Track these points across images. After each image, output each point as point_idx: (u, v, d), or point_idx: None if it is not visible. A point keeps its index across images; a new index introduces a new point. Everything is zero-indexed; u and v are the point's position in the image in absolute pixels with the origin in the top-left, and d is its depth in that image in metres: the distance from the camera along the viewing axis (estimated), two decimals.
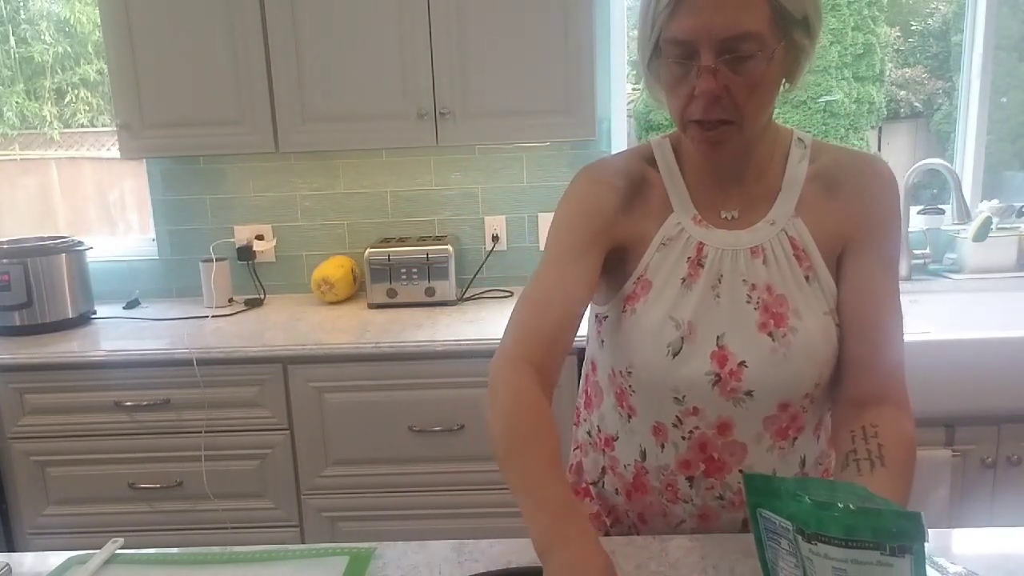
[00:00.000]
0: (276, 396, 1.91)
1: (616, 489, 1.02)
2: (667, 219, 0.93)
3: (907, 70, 9.35)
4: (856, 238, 0.90)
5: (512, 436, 0.78)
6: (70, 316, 2.15)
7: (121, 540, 0.98)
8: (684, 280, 0.90)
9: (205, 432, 1.92)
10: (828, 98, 8.07)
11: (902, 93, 9.25)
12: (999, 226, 2.27)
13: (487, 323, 2.01)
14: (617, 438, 0.99)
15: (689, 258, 0.91)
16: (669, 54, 0.82)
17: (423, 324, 2.01)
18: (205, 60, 2.05)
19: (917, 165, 2.30)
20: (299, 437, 1.93)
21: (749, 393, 0.88)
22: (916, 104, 9.31)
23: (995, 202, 2.31)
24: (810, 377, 0.88)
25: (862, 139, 8.48)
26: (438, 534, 1.82)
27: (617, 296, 0.94)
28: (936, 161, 2.24)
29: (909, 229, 2.32)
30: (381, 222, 2.46)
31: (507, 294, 2.37)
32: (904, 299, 2.25)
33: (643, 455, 0.96)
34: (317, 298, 2.34)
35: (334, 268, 2.31)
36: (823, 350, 0.89)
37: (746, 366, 0.88)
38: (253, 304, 2.33)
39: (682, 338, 0.89)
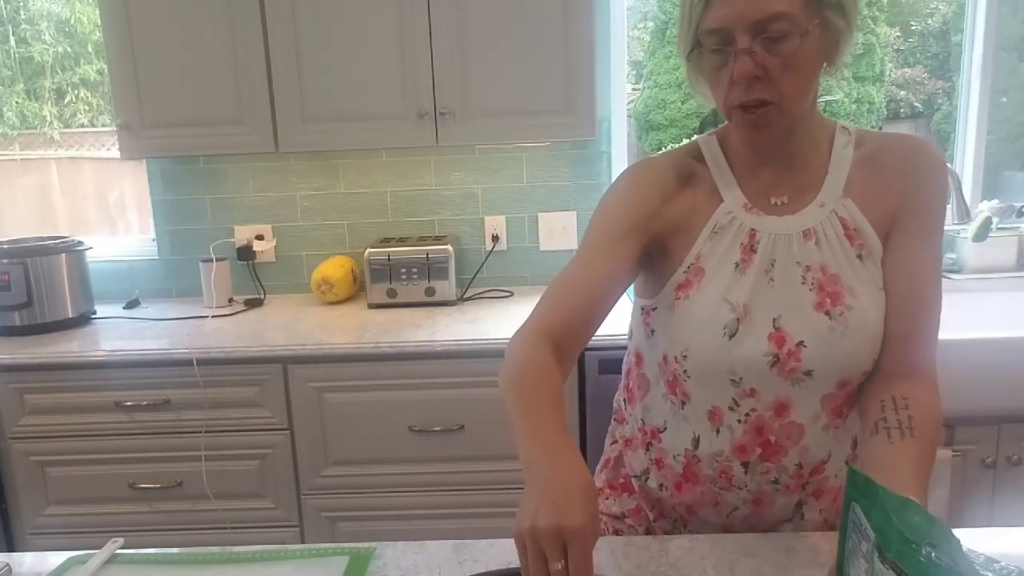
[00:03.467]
0: (276, 396, 1.91)
1: (662, 485, 1.02)
2: (718, 208, 0.95)
3: (907, 70, 9.36)
4: (901, 215, 0.92)
5: (518, 384, 0.81)
6: (70, 316, 2.15)
7: (121, 540, 0.98)
8: (737, 265, 0.92)
9: (205, 432, 1.92)
10: (828, 98, 8.07)
11: (902, 93, 9.25)
12: (999, 226, 2.27)
13: (487, 323, 2.01)
14: (665, 428, 0.99)
15: (742, 244, 0.93)
16: (707, 45, 0.86)
17: (423, 324, 2.01)
18: (205, 60, 2.05)
19: None
20: (299, 437, 1.93)
21: (809, 373, 0.90)
22: (916, 104, 9.32)
23: (995, 202, 2.31)
24: (869, 353, 0.90)
25: None
26: (438, 534, 1.82)
27: (668, 286, 0.96)
28: None
29: None
30: (381, 222, 2.46)
31: (507, 294, 2.37)
32: None
33: (696, 443, 0.96)
34: (317, 298, 2.34)
35: (334, 268, 2.31)
36: (878, 324, 0.91)
37: (805, 346, 0.89)
38: (253, 304, 2.33)
39: (737, 319, 0.90)
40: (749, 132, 0.90)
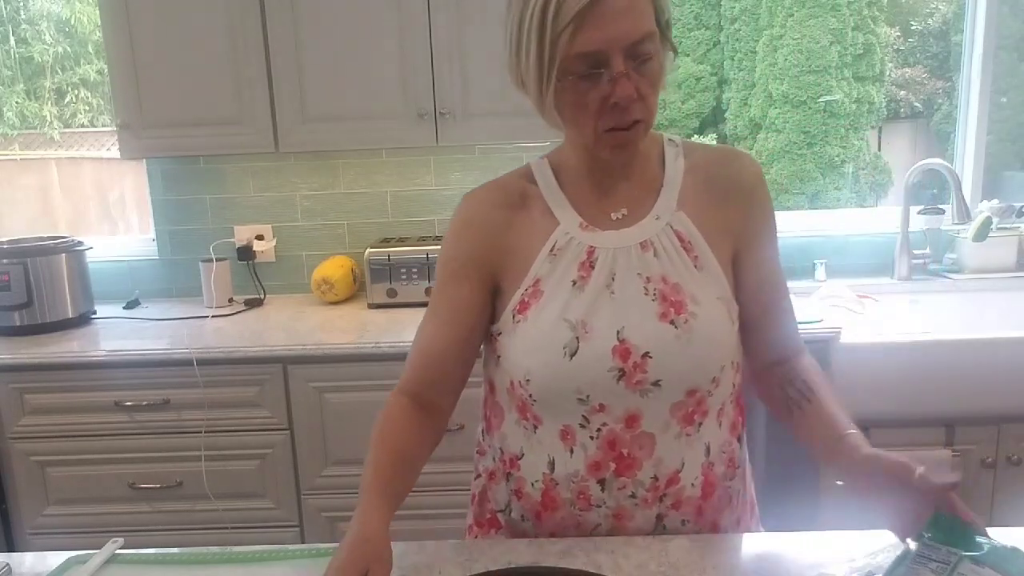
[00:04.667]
0: (276, 396, 1.91)
1: (523, 516, 1.00)
2: (555, 230, 0.95)
3: (907, 70, 9.36)
4: (746, 234, 0.96)
5: (371, 449, 0.92)
6: (70, 316, 2.15)
7: (121, 540, 0.98)
8: (575, 283, 0.92)
9: (205, 432, 1.92)
10: (828, 98, 8.07)
11: (902, 93, 9.26)
12: (999, 226, 2.27)
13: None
14: (522, 455, 0.97)
15: (580, 262, 0.93)
16: (574, 71, 0.84)
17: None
18: (205, 60, 2.05)
19: (917, 165, 2.30)
20: (299, 437, 1.93)
21: (657, 383, 0.89)
22: (916, 104, 9.32)
23: (995, 202, 2.31)
24: (715, 360, 0.91)
25: (862, 139, 8.49)
26: (438, 534, 1.82)
27: (507, 310, 0.95)
28: (936, 161, 2.24)
29: (909, 229, 2.32)
30: (381, 222, 2.46)
31: None
32: (904, 299, 2.27)
33: (551, 466, 0.94)
34: (317, 298, 2.34)
35: (334, 268, 2.31)
36: (723, 334, 0.92)
37: (651, 356, 0.89)
38: (253, 304, 2.33)
39: (577, 338, 0.89)
40: (618, 151, 0.90)
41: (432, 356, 0.98)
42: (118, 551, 0.97)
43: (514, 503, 1.01)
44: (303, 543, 1.94)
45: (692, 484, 0.93)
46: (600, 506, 0.93)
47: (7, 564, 0.95)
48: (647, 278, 0.91)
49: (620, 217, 0.95)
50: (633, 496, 0.92)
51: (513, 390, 0.95)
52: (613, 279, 0.92)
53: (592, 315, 0.90)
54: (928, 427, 1.82)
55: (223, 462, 1.94)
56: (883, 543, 0.86)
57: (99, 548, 0.96)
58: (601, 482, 0.92)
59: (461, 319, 0.96)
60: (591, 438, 0.91)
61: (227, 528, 1.97)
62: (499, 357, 0.97)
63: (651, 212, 0.94)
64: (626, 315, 0.90)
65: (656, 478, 0.91)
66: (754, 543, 0.93)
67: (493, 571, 0.85)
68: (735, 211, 0.95)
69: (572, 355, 0.89)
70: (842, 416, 0.90)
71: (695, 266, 0.92)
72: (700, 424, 0.92)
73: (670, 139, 1.00)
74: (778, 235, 1.00)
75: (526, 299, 0.93)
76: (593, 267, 0.92)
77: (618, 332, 0.89)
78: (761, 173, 0.98)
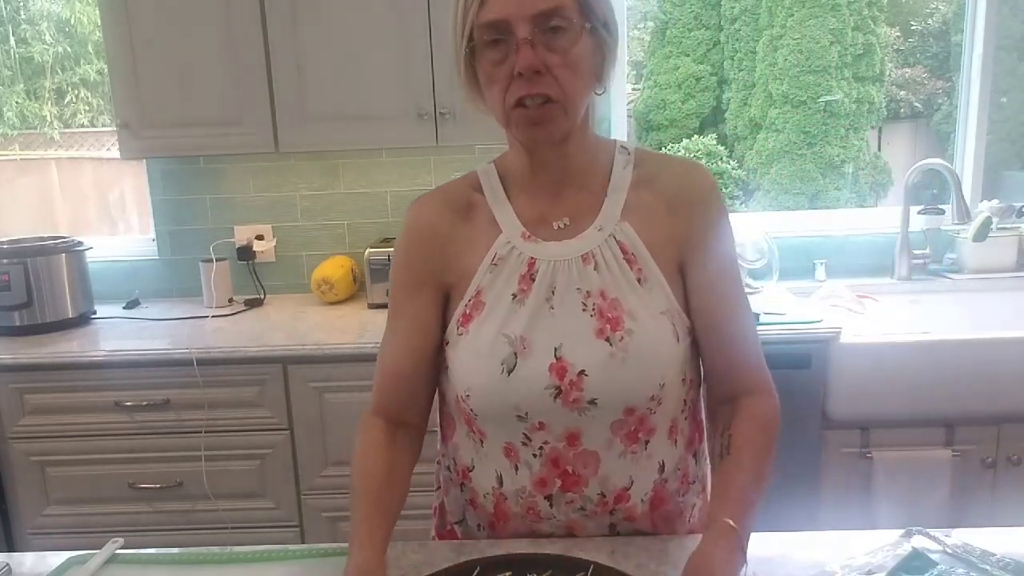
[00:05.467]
0: (276, 396, 1.91)
1: (479, 525, 1.00)
2: (497, 238, 0.93)
3: (907, 70, 9.36)
4: (691, 246, 0.91)
5: (353, 480, 0.92)
6: (70, 316, 2.15)
7: (121, 540, 0.98)
8: (515, 296, 0.90)
9: (205, 432, 1.92)
10: (828, 98, 8.07)
11: (902, 93, 9.26)
12: (999, 226, 2.26)
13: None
14: (473, 468, 0.97)
15: (521, 275, 0.91)
16: (484, 40, 0.83)
17: None
18: (205, 60, 2.05)
19: (917, 165, 2.30)
20: (299, 437, 1.93)
21: (593, 402, 0.87)
22: (916, 104, 9.32)
23: (995, 202, 2.31)
24: (652, 378, 0.88)
25: (862, 139, 8.49)
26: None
27: (452, 321, 0.94)
28: (936, 161, 2.24)
29: (909, 229, 2.32)
30: (381, 222, 2.46)
31: None
32: (904, 299, 2.26)
33: (500, 481, 0.93)
34: (317, 298, 2.34)
35: (334, 268, 2.31)
36: (663, 351, 0.88)
37: (586, 375, 0.86)
38: (253, 304, 2.33)
39: (515, 354, 0.88)
40: (530, 130, 0.87)
41: (398, 376, 0.96)
42: (118, 551, 0.97)
43: (469, 513, 1.01)
44: (303, 543, 1.94)
45: (642, 500, 0.92)
46: (551, 519, 0.93)
47: (7, 564, 0.95)
48: (586, 292, 0.89)
49: (562, 227, 0.92)
50: (583, 509, 0.92)
51: (458, 403, 0.94)
52: (553, 293, 0.89)
53: (531, 331, 0.88)
54: (928, 427, 1.82)
55: (223, 462, 1.94)
56: (883, 543, 0.86)
57: (99, 548, 0.96)
58: (548, 498, 0.91)
59: (419, 332, 0.95)
60: (534, 456, 0.90)
61: (227, 528, 1.97)
62: (447, 368, 0.95)
63: (594, 223, 0.92)
64: (564, 332, 0.88)
65: (603, 495, 0.90)
66: (754, 543, 0.93)
67: (489, 557, 0.86)
68: (682, 220, 0.92)
69: (510, 371, 0.87)
70: (731, 495, 0.83)
71: (638, 280, 0.89)
72: (647, 442, 0.91)
73: (623, 146, 0.97)
74: (733, 255, 0.95)
75: (468, 311, 0.92)
76: (534, 279, 0.90)
77: (555, 349, 0.87)
78: (715, 186, 0.95)
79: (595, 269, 0.89)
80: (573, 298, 0.89)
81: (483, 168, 0.99)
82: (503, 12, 0.81)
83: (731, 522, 0.79)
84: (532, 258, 0.91)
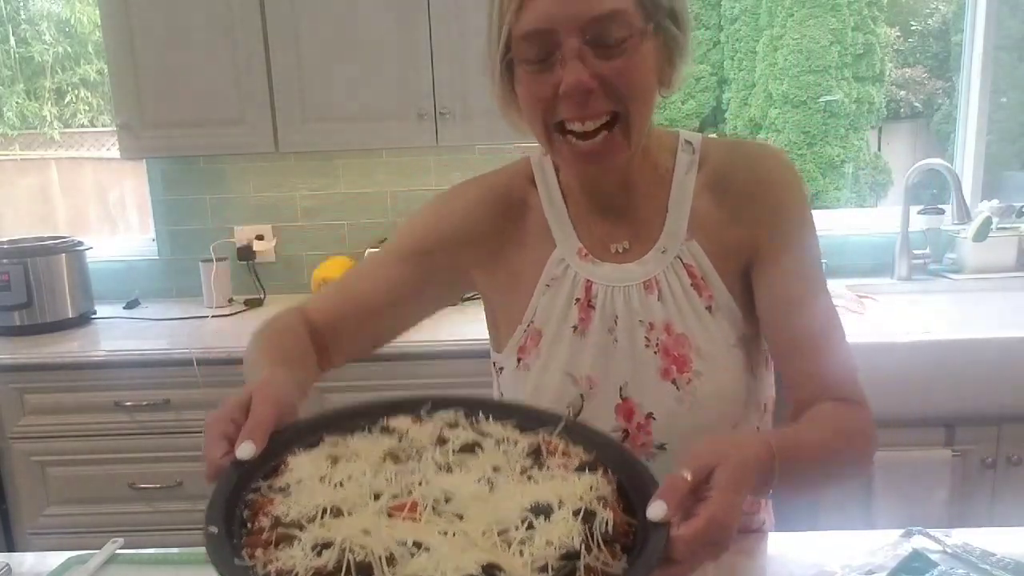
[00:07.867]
0: None
1: None
2: (551, 256, 0.84)
3: (907, 70, 9.35)
4: (763, 247, 0.80)
5: (257, 336, 0.81)
6: (70, 316, 2.15)
7: (121, 540, 0.98)
8: (576, 328, 0.82)
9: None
10: (828, 98, 8.07)
11: (902, 93, 9.25)
12: (999, 226, 2.26)
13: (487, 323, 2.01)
14: None
15: (578, 299, 0.83)
16: (523, 54, 0.71)
17: (423, 324, 2.00)
18: (205, 60, 2.04)
19: (917, 165, 2.30)
20: None
21: (662, 447, 0.81)
22: (916, 104, 9.31)
23: (995, 202, 2.30)
24: (724, 420, 0.81)
25: (862, 139, 8.49)
26: None
27: (509, 346, 0.88)
28: (936, 161, 2.24)
29: (909, 229, 2.32)
30: (381, 222, 2.45)
31: None
32: (904, 299, 2.26)
33: None
34: None
35: (334, 268, 2.31)
36: (735, 390, 0.80)
37: (654, 418, 0.80)
38: (253, 304, 2.33)
39: (581, 395, 0.82)
40: (583, 166, 0.75)
41: (357, 308, 0.87)
42: (118, 551, 0.96)
43: None
44: None
45: None
46: None
47: (7, 564, 0.94)
48: (649, 325, 0.80)
49: (621, 251, 0.83)
50: None
51: None
52: (616, 323, 0.81)
53: (596, 368, 0.82)
54: (928, 427, 1.82)
55: None
56: (883, 543, 0.86)
57: (99, 548, 0.96)
58: None
59: (400, 293, 0.88)
60: None
61: None
62: (502, 395, 0.90)
63: (657, 244, 0.82)
64: (628, 369, 0.81)
65: None
66: (755, 543, 0.93)
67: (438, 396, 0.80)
68: (748, 222, 0.80)
69: (577, 414, 0.81)
70: (794, 427, 0.75)
71: (707, 308, 0.80)
72: None
73: (687, 140, 0.85)
74: (813, 256, 0.82)
75: (528, 340, 0.85)
76: (593, 307, 0.82)
77: (621, 389, 0.81)
78: (788, 179, 0.81)
79: (659, 299, 0.80)
80: (636, 331, 0.81)
81: (536, 159, 0.88)
82: (547, 19, 0.68)
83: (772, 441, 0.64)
84: (588, 280, 0.83)
